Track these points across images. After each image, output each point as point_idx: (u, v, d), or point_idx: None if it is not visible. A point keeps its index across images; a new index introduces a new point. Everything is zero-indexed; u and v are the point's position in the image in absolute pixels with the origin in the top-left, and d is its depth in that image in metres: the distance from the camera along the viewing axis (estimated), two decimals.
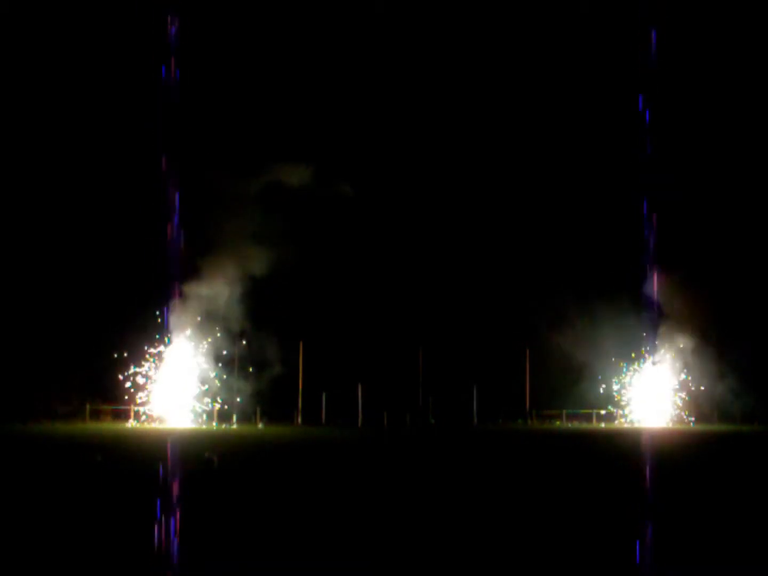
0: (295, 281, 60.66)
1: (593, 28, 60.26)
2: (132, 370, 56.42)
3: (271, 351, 59.07)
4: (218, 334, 57.03)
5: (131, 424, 55.70)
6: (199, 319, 56.47)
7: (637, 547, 13.97)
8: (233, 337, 58.10)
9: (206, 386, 57.15)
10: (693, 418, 63.29)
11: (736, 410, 64.10)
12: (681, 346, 63.10)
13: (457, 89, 64.21)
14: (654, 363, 63.32)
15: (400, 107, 61.94)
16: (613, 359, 64.08)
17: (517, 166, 64.86)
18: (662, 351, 63.67)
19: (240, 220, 56.91)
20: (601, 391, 64.87)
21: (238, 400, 58.54)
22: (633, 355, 64.00)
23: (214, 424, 56.48)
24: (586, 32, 60.76)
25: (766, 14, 60.15)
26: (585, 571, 12.81)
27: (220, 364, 57.69)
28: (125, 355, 56.35)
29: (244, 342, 58.81)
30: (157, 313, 55.92)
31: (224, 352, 57.91)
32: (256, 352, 58.95)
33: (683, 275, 61.14)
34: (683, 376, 63.80)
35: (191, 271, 56.06)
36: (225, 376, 58.03)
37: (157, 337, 56.30)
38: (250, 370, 58.79)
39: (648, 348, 63.71)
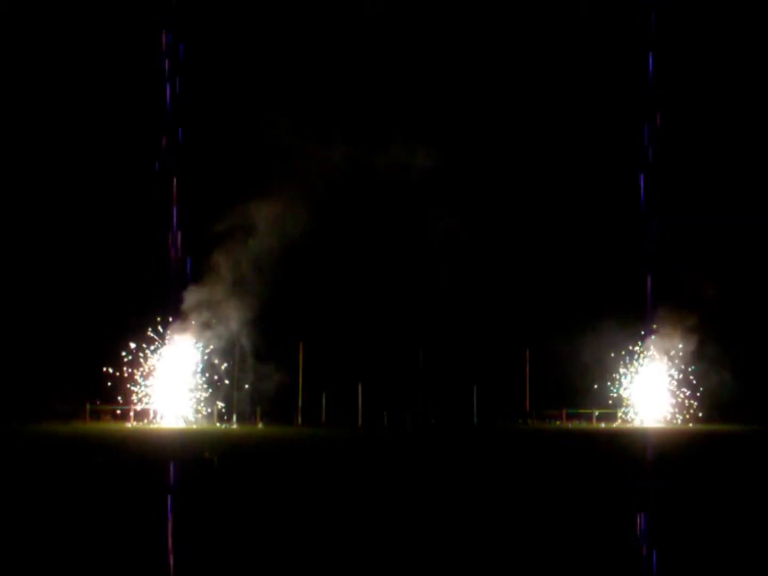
0: (299, 280, 60.62)
1: (593, 28, 60.22)
2: (133, 368, 56.36)
3: (273, 351, 59.14)
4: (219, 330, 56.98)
5: (131, 424, 55.68)
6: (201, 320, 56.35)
7: (637, 548, 13.97)
8: (236, 335, 58.02)
9: (205, 384, 57.14)
10: (693, 418, 63.25)
11: (737, 410, 64.05)
12: (681, 345, 63.09)
13: (459, 90, 64.13)
14: (651, 350, 63.15)
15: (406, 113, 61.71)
16: (612, 355, 64.05)
17: (515, 170, 64.78)
18: (661, 347, 63.64)
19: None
20: (601, 389, 64.83)
21: (220, 405, 58.36)
22: (638, 346, 63.80)
23: (216, 423, 56.50)
24: (586, 32, 60.72)
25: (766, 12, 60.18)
26: (585, 573, 12.80)
27: (218, 362, 57.64)
28: (127, 356, 56.30)
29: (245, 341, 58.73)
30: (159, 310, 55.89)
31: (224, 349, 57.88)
32: (258, 352, 58.99)
33: (686, 272, 61.25)
34: (682, 375, 63.78)
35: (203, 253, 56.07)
36: (234, 375, 58.17)
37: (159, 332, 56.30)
38: (252, 365, 58.82)
39: (647, 345, 63.69)
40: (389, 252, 64.21)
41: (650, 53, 51.83)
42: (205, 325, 56.45)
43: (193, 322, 56.17)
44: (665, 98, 54.68)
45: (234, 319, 56.86)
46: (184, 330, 56.35)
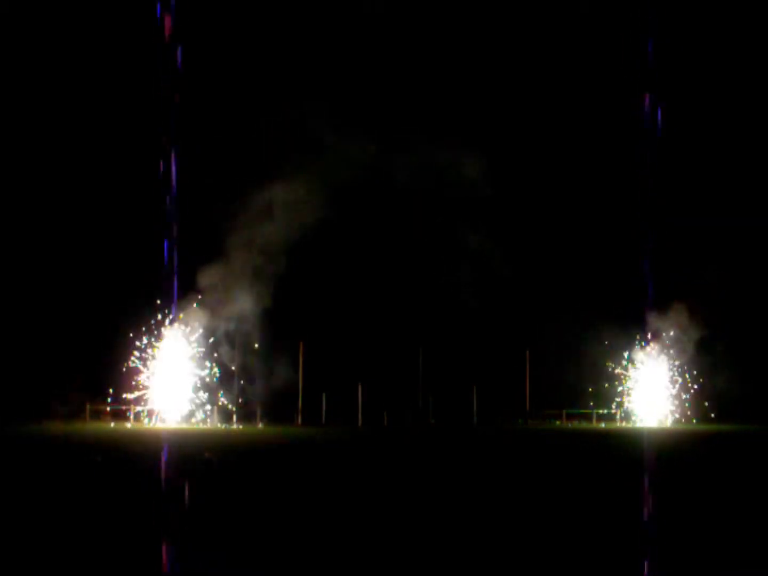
0: (300, 279, 60.60)
1: (593, 28, 60.22)
2: (132, 365, 56.26)
3: (274, 350, 59.18)
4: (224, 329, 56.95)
5: (131, 423, 55.70)
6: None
7: (639, 550, 13.96)
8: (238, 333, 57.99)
9: (205, 381, 57.15)
10: (693, 418, 63.28)
11: (737, 410, 64.05)
12: (681, 345, 63.10)
13: (456, 90, 64.10)
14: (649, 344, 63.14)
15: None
16: (612, 354, 64.09)
17: (514, 170, 64.77)
18: (661, 345, 63.68)
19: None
20: (601, 389, 64.88)
21: (226, 403, 58.40)
22: (637, 345, 63.84)
23: (216, 424, 56.51)
24: (587, 32, 60.71)
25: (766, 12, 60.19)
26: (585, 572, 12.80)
27: (216, 363, 57.65)
28: (129, 355, 56.24)
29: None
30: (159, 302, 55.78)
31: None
32: (259, 351, 58.99)
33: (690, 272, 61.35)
34: (683, 375, 63.78)
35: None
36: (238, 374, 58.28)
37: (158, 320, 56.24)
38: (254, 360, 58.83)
39: (646, 342, 63.73)
40: (389, 252, 64.24)
41: (650, 53, 51.80)
42: (213, 309, 56.26)
43: (195, 311, 56.17)
44: (666, 97, 54.65)
45: (238, 310, 56.79)
46: (188, 316, 56.07)
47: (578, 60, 62.18)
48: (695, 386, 63.65)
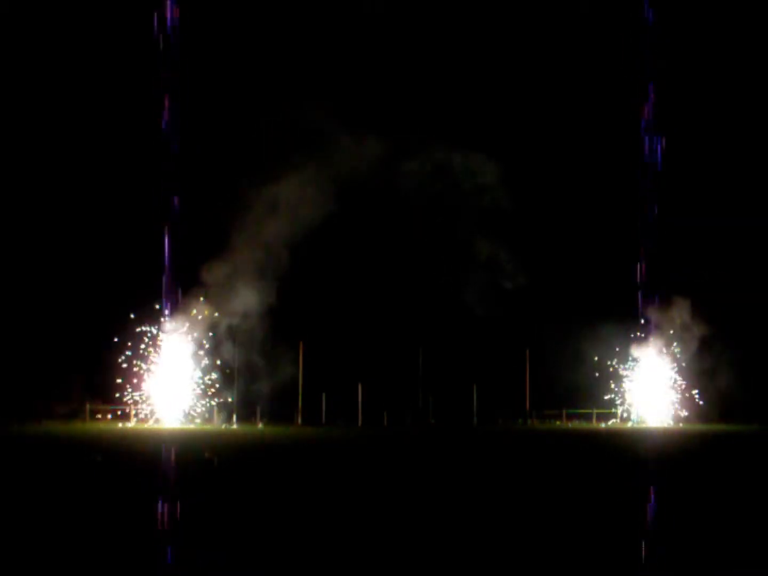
0: (300, 279, 60.61)
1: (593, 28, 60.25)
2: (132, 364, 56.23)
3: (274, 350, 59.21)
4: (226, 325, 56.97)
5: (131, 423, 55.69)
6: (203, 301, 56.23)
7: (639, 550, 13.96)
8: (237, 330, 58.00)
9: (204, 383, 57.14)
10: (693, 418, 63.27)
11: (737, 410, 64.07)
12: (681, 345, 63.11)
13: (455, 89, 64.14)
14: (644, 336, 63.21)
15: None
16: (612, 355, 64.11)
17: (513, 170, 64.81)
18: (661, 347, 63.70)
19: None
20: (601, 389, 64.88)
21: (229, 399, 58.39)
22: (636, 345, 63.89)
23: (216, 424, 56.54)
24: (586, 32, 60.74)
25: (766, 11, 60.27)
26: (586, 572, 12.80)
27: (219, 363, 57.68)
28: (126, 354, 56.23)
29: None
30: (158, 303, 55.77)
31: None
32: (259, 350, 59.04)
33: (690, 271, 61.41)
34: (682, 375, 63.77)
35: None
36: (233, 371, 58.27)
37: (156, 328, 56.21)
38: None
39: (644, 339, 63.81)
40: (390, 252, 64.21)
41: (650, 53, 51.88)
42: (215, 307, 56.29)
43: (195, 311, 56.18)
44: (666, 98, 54.75)
45: (239, 309, 56.81)
46: (190, 314, 56.09)
47: (577, 61, 62.21)
48: (695, 386, 63.66)
